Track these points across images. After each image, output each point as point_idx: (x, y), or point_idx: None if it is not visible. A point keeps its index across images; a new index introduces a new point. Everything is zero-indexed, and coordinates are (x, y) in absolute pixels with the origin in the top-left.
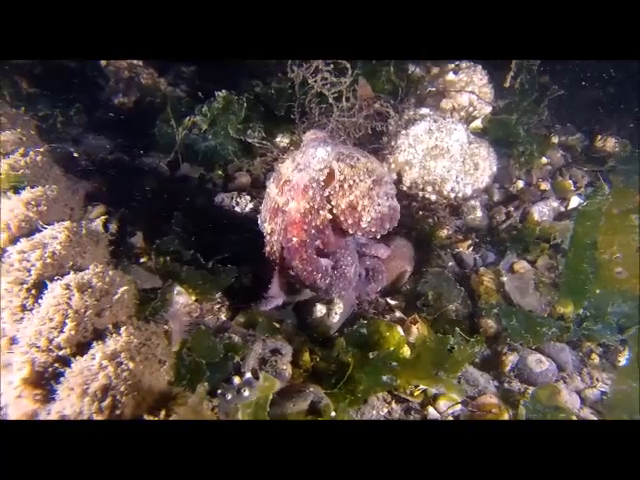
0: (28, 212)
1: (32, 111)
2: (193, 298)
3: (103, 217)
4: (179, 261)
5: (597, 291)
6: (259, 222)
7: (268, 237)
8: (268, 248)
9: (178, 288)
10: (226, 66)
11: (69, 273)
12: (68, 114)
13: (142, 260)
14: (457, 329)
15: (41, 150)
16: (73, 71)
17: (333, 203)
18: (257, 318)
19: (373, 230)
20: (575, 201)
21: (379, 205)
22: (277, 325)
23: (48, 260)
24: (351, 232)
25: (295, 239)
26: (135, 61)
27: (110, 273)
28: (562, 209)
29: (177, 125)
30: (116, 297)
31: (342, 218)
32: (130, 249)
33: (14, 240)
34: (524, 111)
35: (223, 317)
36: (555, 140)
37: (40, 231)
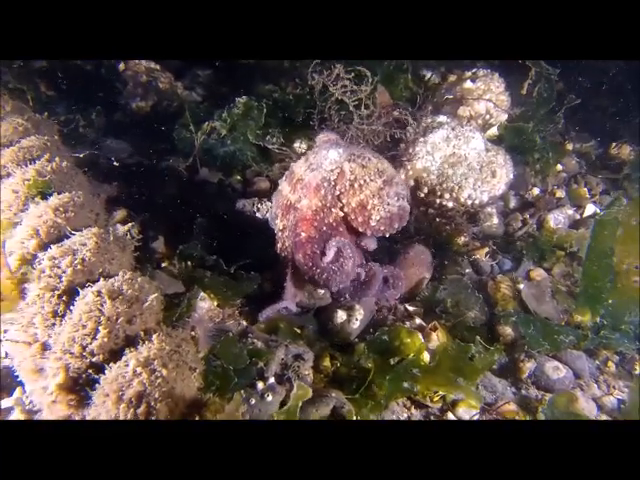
0: (56, 218)
1: (52, 115)
2: (215, 303)
3: (129, 224)
4: (201, 266)
5: (614, 300)
6: (269, 219)
7: (280, 234)
8: (280, 244)
9: (201, 294)
10: (240, 70)
11: (99, 279)
12: (89, 117)
13: (164, 265)
14: (477, 337)
15: (66, 156)
16: (90, 75)
17: (344, 201)
18: (278, 324)
19: (382, 229)
20: (590, 209)
21: (389, 205)
22: (298, 331)
23: (78, 267)
24: (361, 230)
25: (303, 234)
26: (153, 65)
27: (139, 280)
28: (577, 217)
29: (196, 130)
30: (146, 304)
31: (352, 216)
32: (152, 254)
33: (43, 246)
34: (540, 119)
35: (244, 322)
36: (570, 147)
37: (68, 237)
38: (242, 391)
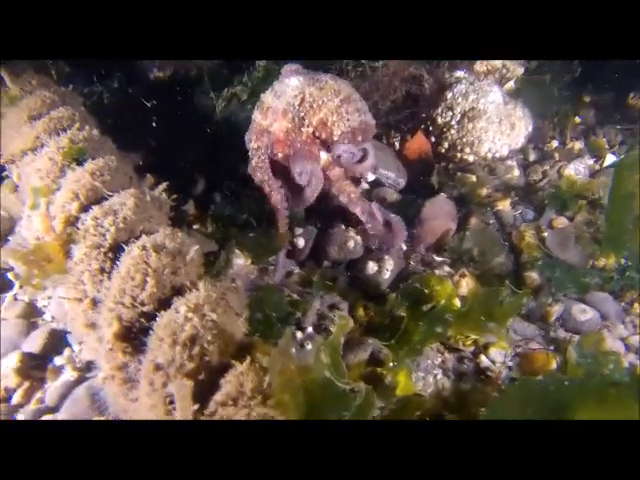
0: (94, 181)
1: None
2: (249, 261)
3: (163, 185)
4: (233, 225)
5: (636, 242)
6: (246, 143)
7: (254, 152)
8: (254, 160)
9: (236, 251)
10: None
11: (140, 236)
12: (111, 87)
13: (195, 227)
14: (507, 282)
15: (94, 126)
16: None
17: (306, 122)
18: (311, 277)
19: (346, 141)
20: (610, 159)
21: (348, 120)
22: (331, 283)
23: (121, 225)
24: (328, 144)
25: (280, 154)
26: None
27: (179, 234)
28: (597, 167)
29: (216, 96)
30: (189, 257)
31: (317, 134)
32: (184, 216)
33: (84, 208)
34: (557, 71)
35: (277, 278)
36: (587, 99)
37: (106, 199)
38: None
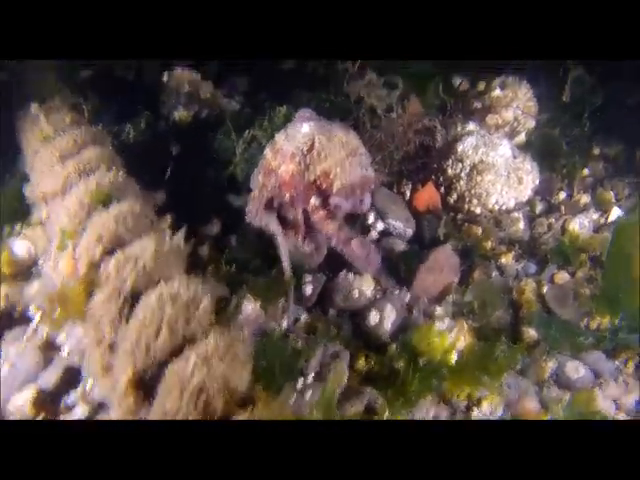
0: (118, 226)
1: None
2: (259, 304)
3: (181, 231)
4: (245, 269)
5: (632, 303)
6: (253, 177)
7: (259, 187)
8: (256, 192)
9: (245, 295)
10: (277, 76)
11: (158, 283)
12: (139, 127)
13: (210, 268)
14: (502, 337)
15: (119, 166)
16: (134, 85)
17: (311, 168)
18: (317, 324)
19: (344, 194)
20: (615, 212)
21: (350, 174)
22: (335, 331)
23: (141, 272)
24: (327, 194)
25: (287, 195)
26: (194, 75)
27: (194, 283)
28: (602, 220)
29: (237, 138)
30: (201, 306)
31: (319, 182)
32: (199, 259)
33: (108, 252)
34: (567, 124)
35: (285, 323)
36: (597, 151)
37: (128, 244)
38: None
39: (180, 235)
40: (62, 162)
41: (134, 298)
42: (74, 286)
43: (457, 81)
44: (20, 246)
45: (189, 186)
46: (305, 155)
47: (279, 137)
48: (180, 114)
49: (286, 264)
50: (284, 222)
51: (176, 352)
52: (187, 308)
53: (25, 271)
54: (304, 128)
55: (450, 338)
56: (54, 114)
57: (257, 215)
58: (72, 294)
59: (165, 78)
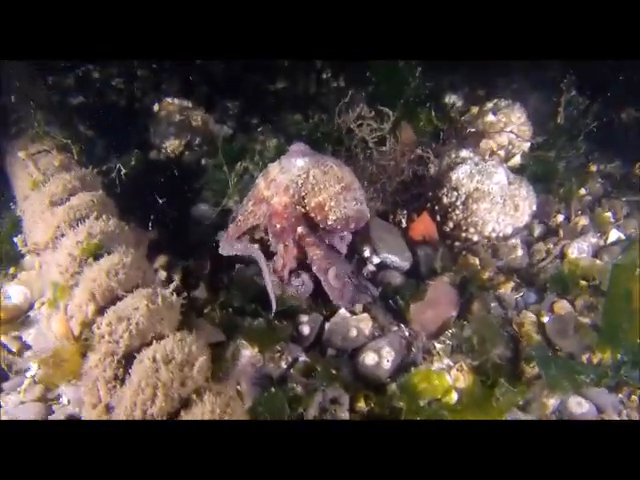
0: (110, 281)
1: (91, 158)
2: (256, 349)
3: (173, 284)
4: (242, 313)
5: (633, 339)
6: (243, 203)
7: (246, 213)
8: (241, 217)
9: (242, 342)
10: (267, 99)
11: (151, 341)
12: (129, 164)
13: (206, 310)
14: (502, 380)
15: (110, 208)
16: (125, 115)
17: (306, 201)
18: (315, 366)
19: (339, 227)
20: (614, 234)
21: (345, 208)
22: (334, 372)
23: (134, 332)
24: (321, 226)
25: (278, 225)
26: (185, 103)
27: (188, 341)
28: (601, 243)
29: (229, 170)
30: (196, 367)
31: (312, 214)
32: (195, 302)
33: (100, 309)
34: (562, 146)
35: (283, 365)
36: (594, 168)
37: (120, 299)
38: None
39: (170, 289)
40: (52, 209)
41: (129, 359)
42: (68, 347)
43: (451, 98)
44: (15, 291)
45: (181, 222)
46: (300, 188)
47: (273, 168)
48: (171, 144)
49: (269, 284)
50: (267, 255)
51: (174, 416)
52: (182, 369)
53: (21, 316)
54: (299, 162)
55: (450, 379)
56: (43, 158)
57: (232, 240)
58: (67, 355)
59: (155, 108)
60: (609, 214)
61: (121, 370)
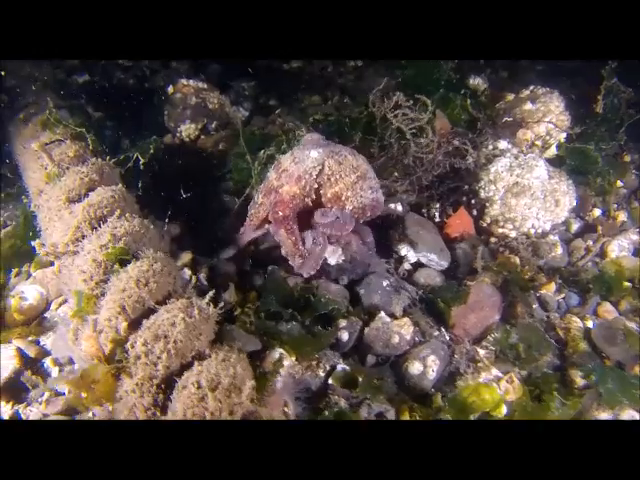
0: (140, 291)
1: (103, 139)
2: (294, 358)
3: (209, 295)
4: (276, 318)
5: None
6: (254, 196)
7: (257, 206)
8: (253, 211)
9: (281, 351)
10: (284, 79)
11: (192, 361)
12: (147, 151)
13: (236, 313)
14: (555, 393)
15: (133, 208)
16: (138, 95)
17: (322, 192)
18: (357, 376)
19: (356, 217)
20: None
21: (361, 197)
22: (377, 383)
23: (172, 351)
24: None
25: (281, 213)
26: (201, 84)
27: (232, 360)
28: None
29: (252, 160)
30: (245, 393)
31: (329, 205)
32: (225, 305)
33: (132, 324)
34: (602, 137)
35: (321, 373)
36: (628, 158)
37: (153, 310)
38: None
39: (206, 300)
40: (70, 206)
41: (168, 382)
42: (100, 368)
43: (475, 82)
44: (31, 291)
45: (203, 214)
46: (315, 179)
47: (285, 159)
48: (187, 128)
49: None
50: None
51: None
52: (229, 395)
53: (38, 316)
54: (313, 153)
55: (499, 391)
56: (56, 148)
57: (249, 231)
58: (98, 377)
59: (170, 90)
60: None
61: (161, 396)
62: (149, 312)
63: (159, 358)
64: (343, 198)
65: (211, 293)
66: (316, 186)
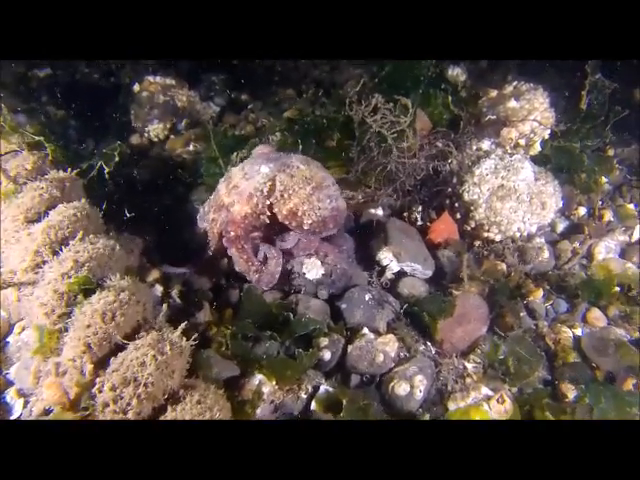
0: (107, 327)
1: (66, 139)
2: (274, 382)
3: (181, 326)
4: (254, 340)
5: None
6: (201, 212)
7: (211, 223)
8: (209, 231)
9: (260, 377)
10: (257, 72)
11: (165, 405)
12: (111, 159)
13: (211, 334)
14: (547, 413)
15: (98, 226)
16: (103, 93)
17: (276, 210)
18: (341, 399)
19: (317, 231)
20: (639, 230)
21: (319, 209)
22: (363, 405)
23: (143, 396)
24: (299, 232)
25: (232, 233)
26: (168, 80)
27: (209, 402)
28: (627, 239)
29: (224, 162)
30: None
31: (287, 222)
32: (199, 325)
33: (99, 363)
34: (586, 135)
35: (303, 395)
36: (611, 152)
37: (121, 346)
38: None
39: (180, 328)
40: (28, 227)
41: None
42: (65, 416)
43: (454, 73)
44: None
45: (174, 223)
46: (266, 196)
47: (235, 174)
48: (155, 128)
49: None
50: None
51: None
52: None
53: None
54: (263, 168)
55: (490, 412)
56: (12, 160)
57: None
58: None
59: (136, 88)
60: (631, 206)
61: None
62: (117, 349)
63: (129, 405)
64: (300, 214)
65: (183, 325)
66: (269, 203)
